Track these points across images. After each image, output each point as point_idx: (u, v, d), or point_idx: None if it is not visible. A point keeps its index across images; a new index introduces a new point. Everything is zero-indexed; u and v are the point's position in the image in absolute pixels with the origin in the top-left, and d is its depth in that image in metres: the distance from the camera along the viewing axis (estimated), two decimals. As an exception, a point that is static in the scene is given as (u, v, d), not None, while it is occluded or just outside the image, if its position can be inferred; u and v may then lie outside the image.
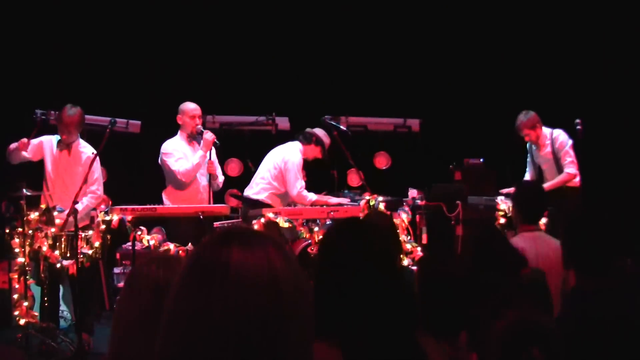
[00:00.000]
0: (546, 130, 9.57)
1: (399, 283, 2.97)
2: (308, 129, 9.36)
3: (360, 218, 7.45)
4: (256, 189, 9.16)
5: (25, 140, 8.12)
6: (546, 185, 9.37)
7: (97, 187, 8.36)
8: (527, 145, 9.77)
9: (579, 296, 3.82)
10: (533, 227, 5.95)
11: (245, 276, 1.64)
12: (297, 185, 8.98)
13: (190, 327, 1.63)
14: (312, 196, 9.04)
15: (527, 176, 9.83)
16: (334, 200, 9.15)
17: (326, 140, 9.29)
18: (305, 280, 1.75)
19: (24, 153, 8.20)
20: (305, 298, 1.72)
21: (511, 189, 9.32)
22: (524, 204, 6.08)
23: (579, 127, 9.22)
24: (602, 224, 3.87)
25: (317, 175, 9.74)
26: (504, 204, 8.41)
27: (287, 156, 9.10)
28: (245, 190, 9.32)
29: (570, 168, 9.33)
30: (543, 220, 8.49)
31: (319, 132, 9.30)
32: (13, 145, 8.16)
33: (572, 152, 9.39)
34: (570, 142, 9.42)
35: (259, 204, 8.82)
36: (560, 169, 9.43)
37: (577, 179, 9.37)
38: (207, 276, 1.65)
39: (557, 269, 5.47)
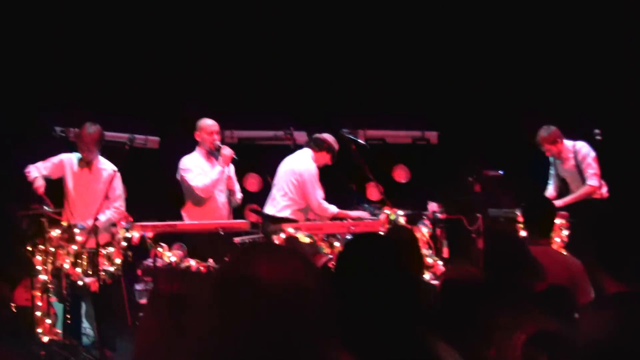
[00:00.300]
0: (568, 144, 9.55)
1: (417, 297, 2.97)
2: (317, 135, 9.30)
3: (379, 233, 7.44)
4: (278, 207, 9.09)
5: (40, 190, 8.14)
6: (568, 199, 9.36)
7: (120, 203, 8.43)
8: (551, 158, 9.74)
9: (611, 303, 3.78)
10: (543, 240, 5.95)
11: (275, 291, 1.65)
12: (318, 195, 8.93)
13: (220, 342, 1.63)
14: (333, 208, 8.99)
15: (550, 189, 9.81)
16: (354, 213, 9.11)
17: (336, 147, 9.24)
18: (331, 294, 1.75)
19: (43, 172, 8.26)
20: (331, 311, 1.73)
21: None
22: (533, 219, 6.10)
23: (598, 137, 9.19)
24: (634, 229, 3.86)
25: (335, 189, 9.69)
26: (524, 216, 8.38)
27: (303, 167, 9.03)
28: (265, 206, 9.27)
29: (593, 180, 9.31)
30: (565, 232, 8.52)
31: (329, 137, 9.24)
32: (30, 175, 8.18)
33: (594, 164, 9.36)
34: (592, 154, 9.39)
35: (283, 221, 8.77)
36: (585, 182, 9.41)
37: (604, 189, 9.35)
38: (237, 292, 1.66)
39: (562, 284, 5.48)
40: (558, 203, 9.33)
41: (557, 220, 8.62)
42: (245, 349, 1.60)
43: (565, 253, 7.15)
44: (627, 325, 3.52)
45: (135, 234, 7.76)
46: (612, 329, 3.51)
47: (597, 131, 9.24)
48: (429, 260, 8.01)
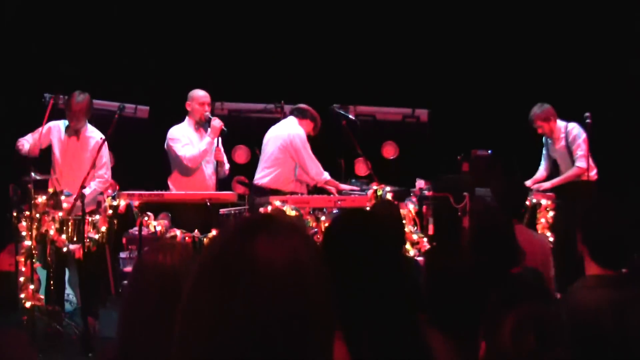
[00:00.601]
0: (561, 124, 9.55)
1: (404, 275, 2.97)
2: (299, 105, 9.24)
3: (367, 208, 7.44)
4: (262, 174, 9.01)
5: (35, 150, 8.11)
6: (556, 180, 9.38)
7: (104, 171, 8.40)
8: (543, 138, 9.75)
9: (591, 287, 3.81)
10: (514, 220, 5.98)
11: (272, 270, 1.59)
12: (314, 159, 8.88)
13: (212, 322, 1.58)
14: (327, 175, 8.96)
15: (542, 169, 9.82)
16: (344, 186, 9.10)
17: (318, 116, 9.16)
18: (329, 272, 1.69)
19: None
20: (330, 290, 1.68)
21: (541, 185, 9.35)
22: (505, 199, 6.12)
23: (588, 120, 9.17)
24: (621, 216, 3.87)
25: (324, 163, 9.71)
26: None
27: (292, 132, 8.91)
28: (254, 178, 9.22)
29: (581, 162, 9.29)
30: (551, 214, 8.55)
31: (310, 108, 9.18)
32: (23, 148, 8.13)
33: (584, 146, 9.33)
34: (583, 135, 9.35)
35: (267, 191, 8.76)
36: (574, 163, 9.42)
37: (593, 172, 9.32)
38: (232, 270, 1.59)
39: (534, 262, 5.54)
40: (546, 185, 9.38)
41: (543, 201, 8.67)
42: (238, 330, 1.56)
43: (532, 231, 7.18)
44: (610, 307, 3.56)
45: (121, 202, 7.75)
46: (596, 310, 3.55)
47: (587, 114, 9.21)
48: (415, 236, 8.03)
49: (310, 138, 9.04)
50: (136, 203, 7.77)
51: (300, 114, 9.08)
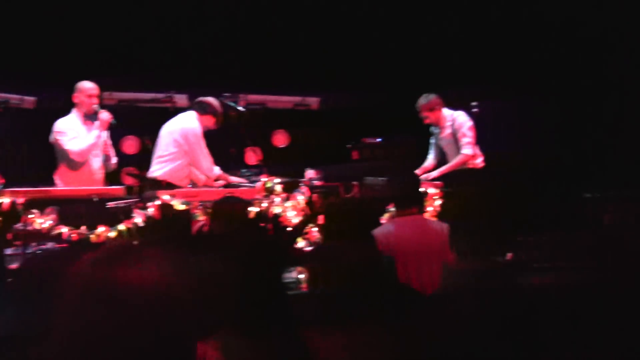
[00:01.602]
0: (447, 113, 9.62)
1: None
2: (202, 98, 9.10)
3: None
4: (155, 167, 8.93)
5: None
6: (443, 169, 9.48)
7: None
8: (431, 128, 9.81)
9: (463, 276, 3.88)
10: (407, 211, 6.06)
11: (132, 294, 1.66)
12: (207, 155, 8.86)
13: (82, 344, 1.63)
14: (217, 170, 8.98)
15: (430, 158, 9.85)
16: (234, 179, 9.10)
17: (220, 111, 9.12)
18: (191, 290, 1.76)
19: None
20: (191, 307, 1.74)
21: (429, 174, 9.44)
22: (397, 194, 6.20)
23: (475, 109, 9.30)
24: (497, 207, 3.94)
25: (215, 153, 9.67)
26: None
27: (188, 127, 8.86)
28: (149, 171, 9.09)
29: (467, 149, 9.40)
30: (438, 202, 8.67)
31: (214, 101, 9.06)
32: None
33: (469, 133, 9.44)
34: (469, 123, 9.47)
35: (159, 183, 8.66)
36: (459, 151, 9.52)
37: (479, 160, 9.44)
38: (94, 296, 1.66)
39: (433, 250, 5.65)
40: (433, 174, 9.45)
41: (431, 190, 8.78)
42: (109, 350, 1.62)
43: (432, 219, 7.29)
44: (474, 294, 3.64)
45: (5, 200, 7.56)
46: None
47: (474, 103, 9.34)
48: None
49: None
50: (21, 200, 7.59)
51: (201, 109, 8.99)
